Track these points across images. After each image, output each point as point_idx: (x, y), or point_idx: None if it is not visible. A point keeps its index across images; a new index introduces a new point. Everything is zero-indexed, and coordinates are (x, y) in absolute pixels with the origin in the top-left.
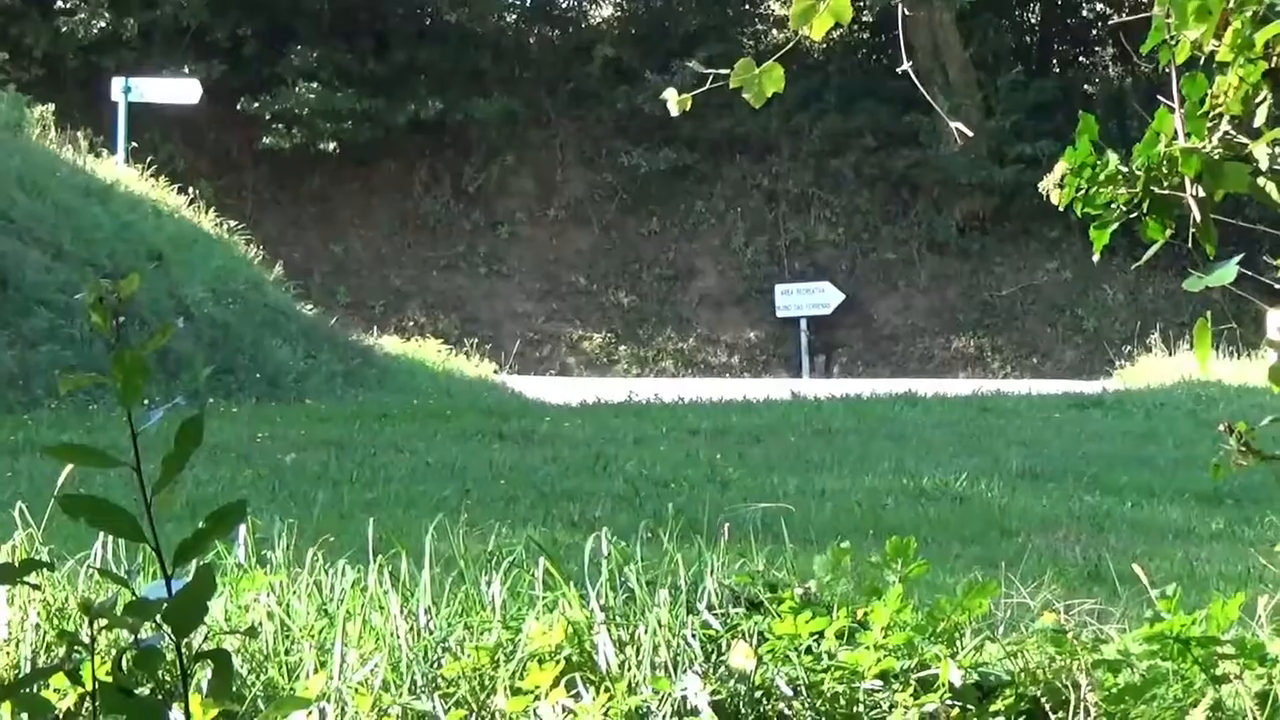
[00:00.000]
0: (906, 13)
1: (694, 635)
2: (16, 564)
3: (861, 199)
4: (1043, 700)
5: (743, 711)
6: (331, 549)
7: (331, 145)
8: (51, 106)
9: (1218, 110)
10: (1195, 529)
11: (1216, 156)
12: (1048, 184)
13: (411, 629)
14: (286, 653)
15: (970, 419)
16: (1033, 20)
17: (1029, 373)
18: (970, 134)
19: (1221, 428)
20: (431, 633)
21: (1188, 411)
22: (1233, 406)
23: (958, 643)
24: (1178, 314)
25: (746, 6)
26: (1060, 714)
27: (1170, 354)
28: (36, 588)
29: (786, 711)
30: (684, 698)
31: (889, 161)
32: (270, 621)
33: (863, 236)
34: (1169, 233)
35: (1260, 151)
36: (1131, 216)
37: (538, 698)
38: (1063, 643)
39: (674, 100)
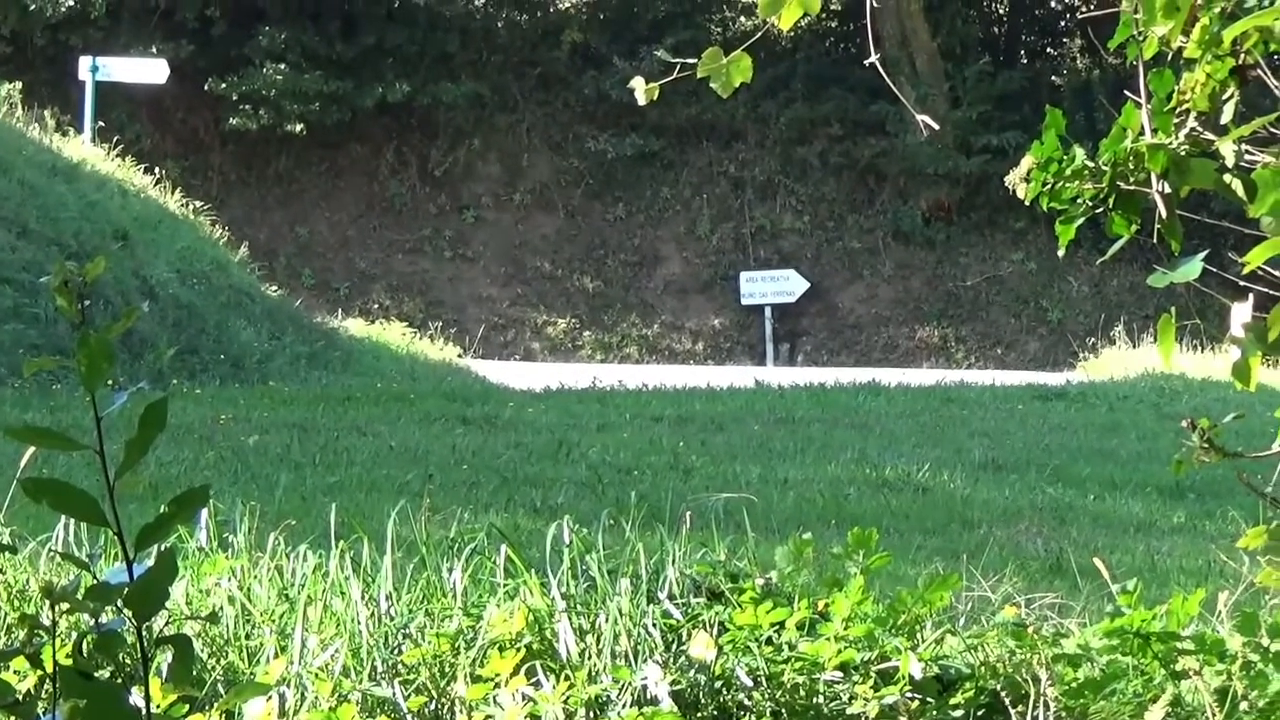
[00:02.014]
0: (875, 3)
1: (655, 625)
2: None
3: (827, 187)
4: (1003, 694)
5: (702, 701)
6: (293, 533)
7: (298, 127)
8: (18, 85)
9: (1185, 106)
10: (1157, 523)
11: (1183, 153)
12: (1014, 178)
13: (372, 615)
14: (247, 637)
15: (934, 409)
16: (1001, 11)
17: (993, 364)
18: (935, 126)
19: (1184, 424)
20: (392, 619)
21: (1151, 405)
22: (1195, 400)
23: (918, 635)
24: (1142, 307)
25: None
26: (1020, 708)
27: (1134, 347)
28: None
29: (746, 702)
30: (644, 687)
31: (855, 150)
32: (231, 606)
33: (828, 225)
34: (1134, 228)
35: (1227, 148)
36: (1097, 211)
37: (498, 685)
38: (1023, 636)
39: (641, 89)
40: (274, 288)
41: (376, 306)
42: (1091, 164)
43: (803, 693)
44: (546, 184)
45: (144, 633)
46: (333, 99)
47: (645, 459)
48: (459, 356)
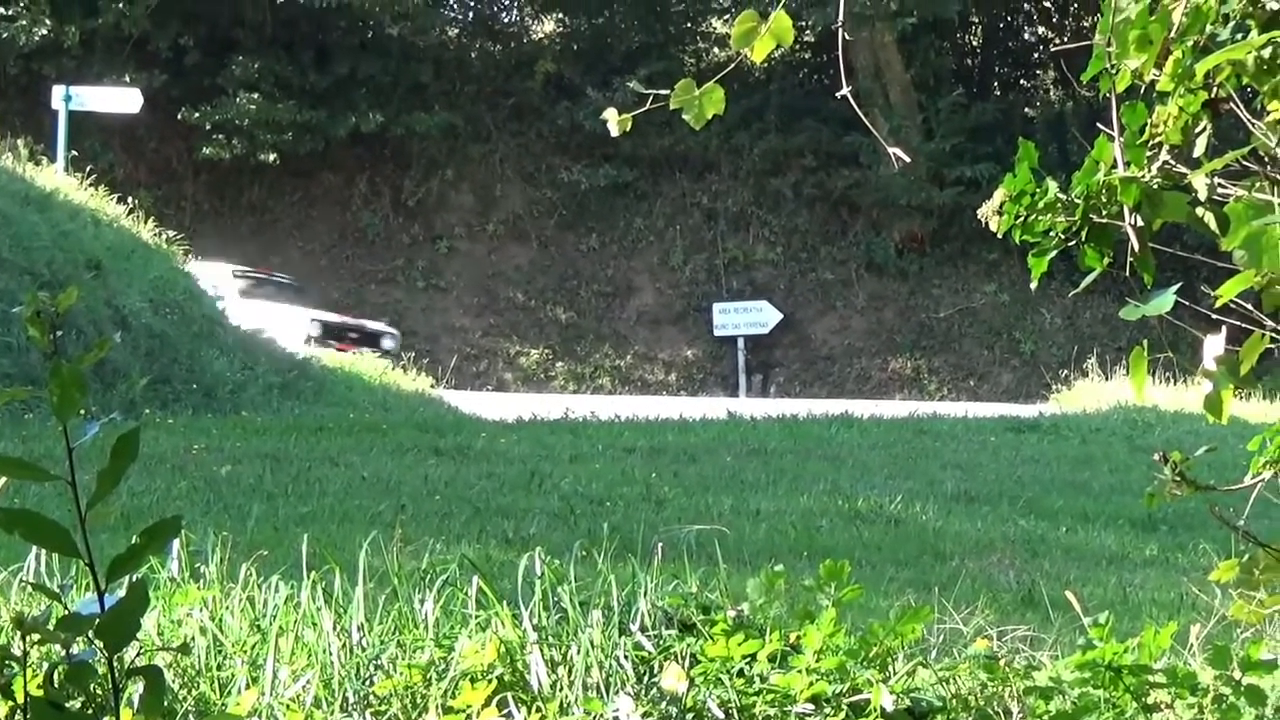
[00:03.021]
0: (847, 35)
1: (626, 656)
2: None
3: (800, 219)
4: None
5: None
6: (266, 564)
7: (271, 156)
8: None
9: (1157, 139)
10: (1129, 555)
11: (1155, 186)
12: (987, 210)
13: (344, 646)
14: (219, 668)
15: (906, 441)
16: (974, 43)
17: (965, 395)
18: (908, 158)
19: (1157, 457)
20: (364, 650)
21: (1123, 437)
22: (1168, 433)
23: (890, 667)
24: (1114, 339)
25: (688, 25)
26: None
27: (1106, 379)
28: None
29: None
30: (616, 719)
31: (829, 181)
32: (203, 637)
33: (801, 256)
34: (1107, 261)
35: (1199, 182)
36: (1070, 244)
37: (469, 717)
38: (995, 669)
39: (614, 121)
40: None
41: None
42: (1064, 197)
43: None
44: (520, 214)
45: (115, 663)
46: (306, 128)
47: (618, 490)
48: (432, 387)
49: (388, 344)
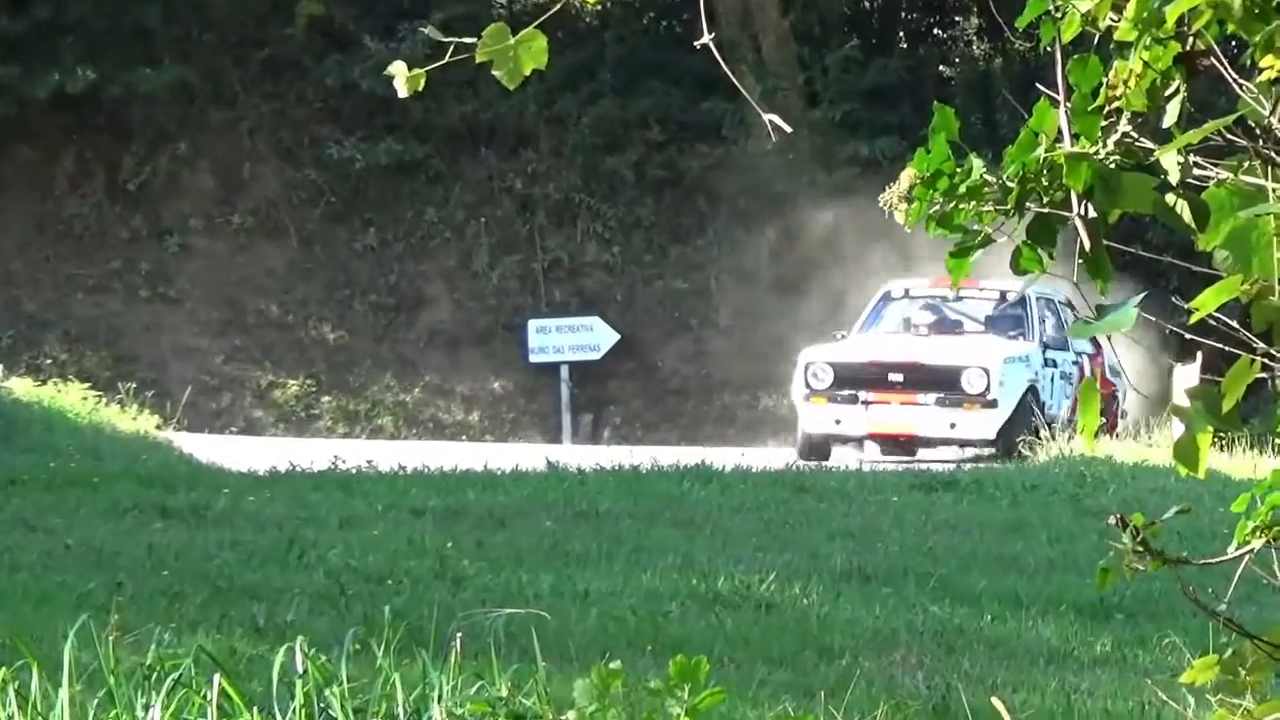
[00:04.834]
0: None
1: None
2: None
3: (644, 209)
4: None
5: None
6: None
7: None
8: None
9: (1115, 104)
10: (1074, 651)
11: (1112, 165)
12: (891, 197)
13: None
14: None
15: (782, 501)
16: None
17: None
18: (789, 128)
19: (1112, 521)
20: None
21: (1067, 496)
22: (1125, 490)
23: None
24: None
25: None
26: None
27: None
28: None
29: None
30: None
31: (681, 160)
32: None
33: (645, 259)
34: (1049, 262)
35: (1170, 160)
36: (999, 240)
37: None
38: None
39: (402, 78)
40: None
41: (49, 361)
42: (993, 179)
43: None
44: (274, 202)
45: None
46: None
47: (402, 564)
48: (158, 428)
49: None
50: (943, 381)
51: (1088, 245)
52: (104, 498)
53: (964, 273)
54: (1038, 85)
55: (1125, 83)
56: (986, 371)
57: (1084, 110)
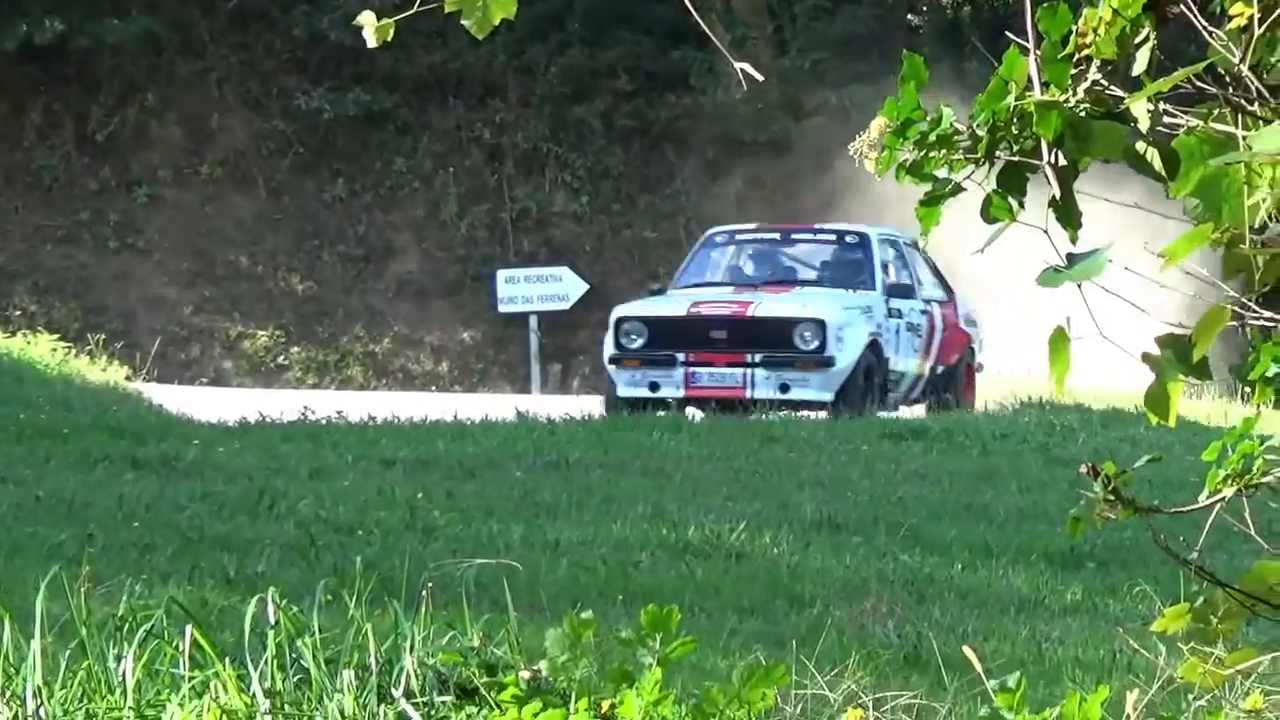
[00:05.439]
0: None
1: None
2: None
3: (613, 159)
4: None
5: None
6: None
7: None
8: None
9: (1085, 52)
10: (1045, 600)
11: (1083, 113)
12: (861, 146)
13: (17, 715)
14: None
15: (751, 451)
16: None
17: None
18: (760, 77)
19: (1083, 470)
20: None
21: (1037, 445)
22: (1096, 440)
23: None
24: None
25: None
26: None
27: (1017, 371)
28: None
29: None
30: None
31: (649, 110)
32: None
33: (613, 208)
34: (1019, 211)
35: (1139, 108)
36: (966, 190)
37: None
38: None
39: (371, 28)
40: None
41: (18, 313)
42: (963, 127)
43: None
44: (243, 152)
45: None
46: None
47: (373, 515)
48: (127, 379)
49: None
50: (771, 338)
51: (1058, 193)
52: (74, 449)
53: (934, 222)
54: (1006, 33)
55: (1095, 30)
56: (821, 325)
57: (1054, 58)
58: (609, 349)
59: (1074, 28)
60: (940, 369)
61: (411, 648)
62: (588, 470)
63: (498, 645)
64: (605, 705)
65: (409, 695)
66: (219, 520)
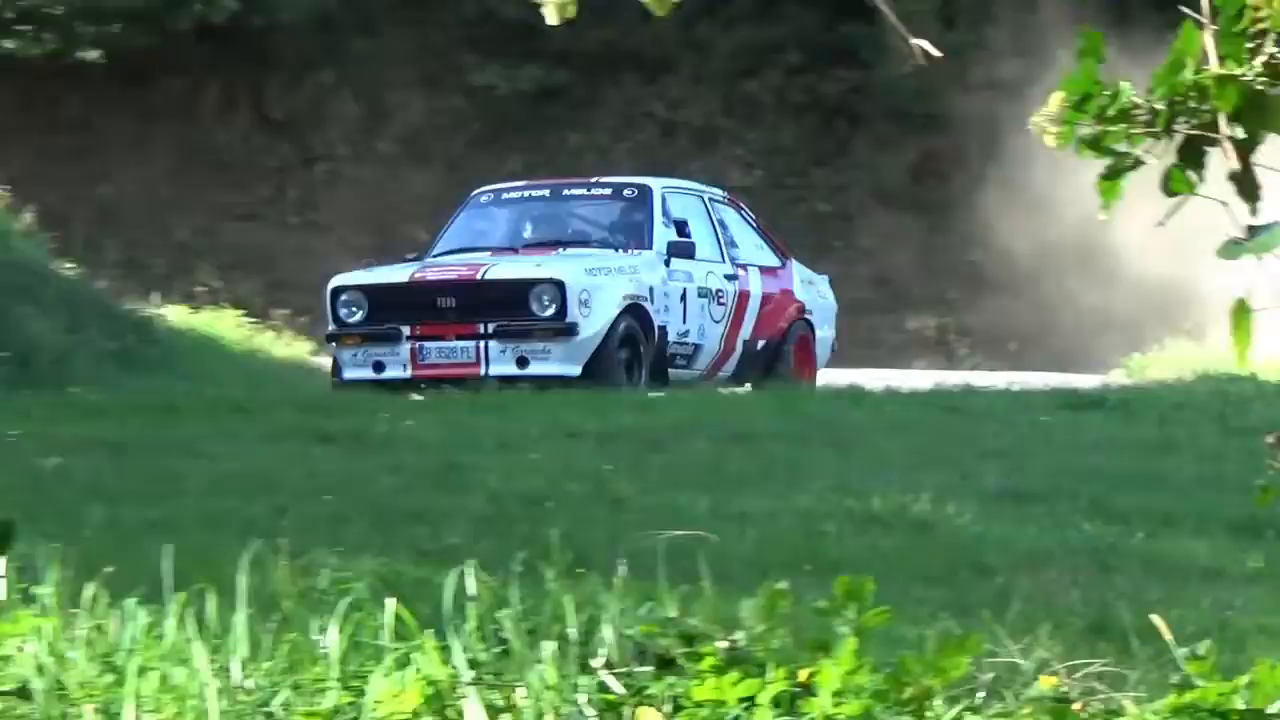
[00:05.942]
0: None
1: (590, 700)
2: None
3: (784, 134)
4: None
5: None
6: (114, 583)
7: (94, 55)
8: None
9: (1260, 25)
10: (1227, 568)
11: (1260, 86)
12: (1040, 121)
13: (223, 688)
14: (63, 717)
15: (932, 422)
16: None
17: (1006, 363)
18: (937, 53)
19: (1268, 440)
20: (249, 693)
21: (1213, 415)
22: (1272, 409)
23: (927, 713)
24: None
25: None
26: None
27: (1198, 340)
28: None
29: None
30: None
31: (820, 85)
32: (40, 678)
33: (787, 182)
34: (1199, 184)
35: None
36: (1145, 164)
37: None
38: (1067, 714)
39: (553, 6)
40: (70, 265)
41: (203, 289)
42: (1142, 101)
43: None
44: (420, 129)
45: None
46: (139, 19)
47: (561, 487)
48: (313, 354)
49: None
50: (503, 303)
51: (1236, 166)
52: (263, 424)
53: (1115, 196)
54: (1180, 7)
55: (1270, 3)
56: (560, 287)
57: (1229, 32)
58: (329, 325)
59: (1248, 2)
60: (761, 342)
61: (610, 619)
62: (772, 442)
63: (694, 616)
64: (803, 674)
65: (609, 666)
66: (409, 493)
